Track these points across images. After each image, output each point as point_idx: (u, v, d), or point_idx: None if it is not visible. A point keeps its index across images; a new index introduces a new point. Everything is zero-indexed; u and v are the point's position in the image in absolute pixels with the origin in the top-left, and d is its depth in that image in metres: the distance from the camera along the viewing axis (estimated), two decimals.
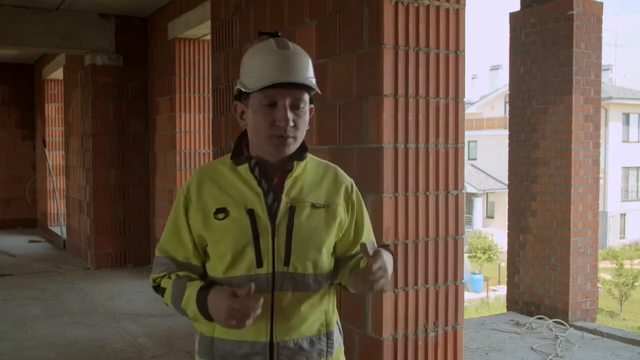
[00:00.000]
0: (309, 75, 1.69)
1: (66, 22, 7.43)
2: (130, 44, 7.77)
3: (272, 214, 1.68)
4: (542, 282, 6.08)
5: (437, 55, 3.28)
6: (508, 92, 6.66)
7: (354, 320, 3.28)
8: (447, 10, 3.30)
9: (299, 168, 1.72)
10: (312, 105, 1.74)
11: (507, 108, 6.84)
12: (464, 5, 3.37)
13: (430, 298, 3.29)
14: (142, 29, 7.84)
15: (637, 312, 19.37)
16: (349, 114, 3.39)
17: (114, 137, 7.77)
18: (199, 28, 6.46)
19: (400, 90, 3.17)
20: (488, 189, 33.36)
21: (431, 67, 3.27)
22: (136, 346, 4.82)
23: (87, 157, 7.95)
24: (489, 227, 30.30)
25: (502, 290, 17.16)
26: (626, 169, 31.30)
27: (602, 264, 17.05)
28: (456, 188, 3.36)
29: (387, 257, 1.63)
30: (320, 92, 1.73)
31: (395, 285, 3.18)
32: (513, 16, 6.37)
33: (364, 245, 1.60)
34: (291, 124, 1.65)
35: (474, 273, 23.93)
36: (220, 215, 1.68)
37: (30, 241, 10.18)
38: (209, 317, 1.62)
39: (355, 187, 1.83)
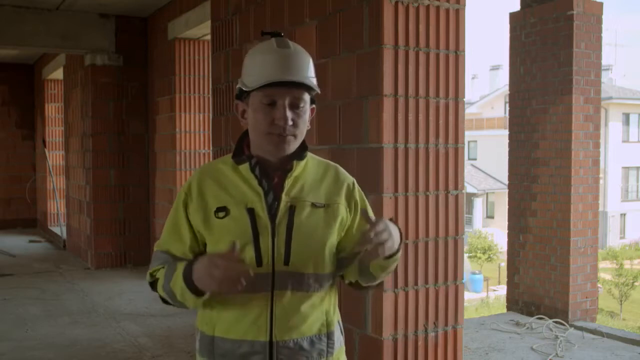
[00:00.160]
0: (310, 75, 1.68)
1: (66, 22, 7.43)
2: (130, 44, 7.77)
3: (272, 213, 1.68)
4: (542, 282, 6.08)
5: (437, 55, 3.29)
6: (508, 92, 6.66)
7: (354, 320, 3.28)
8: (447, 10, 3.30)
9: (299, 167, 1.73)
10: (313, 105, 1.74)
11: (507, 108, 6.84)
12: (464, 5, 3.37)
13: (430, 298, 3.30)
14: (142, 29, 7.84)
15: (637, 312, 19.37)
16: (349, 114, 3.39)
17: (114, 137, 7.77)
18: (199, 28, 6.46)
19: (400, 90, 3.17)
20: (488, 189, 33.37)
21: (431, 67, 3.27)
22: (136, 346, 4.82)
23: (87, 157, 7.95)
24: (489, 227, 30.31)
25: (502, 290, 17.16)
26: (626, 169, 31.30)
27: (602, 264, 17.05)
28: (456, 188, 3.37)
29: (391, 225, 1.60)
30: (320, 92, 1.73)
31: (395, 285, 3.18)
32: (513, 16, 6.38)
33: (364, 211, 1.58)
34: (290, 122, 1.65)
35: (474, 273, 23.94)
36: (221, 214, 1.68)
37: (30, 241, 10.18)
38: (193, 288, 1.59)
39: (357, 186, 1.83)
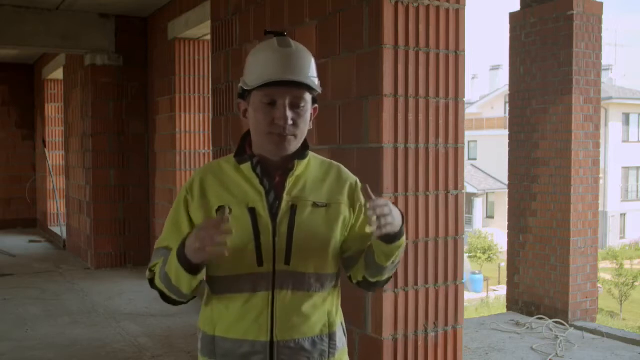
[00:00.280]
0: (311, 74, 1.68)
1: (66, 22, 7.43)
2: (130, 44, 7.77)
3: (274, 212, 1.68)
4: (542, 282, 6.08)
5: (437, 55, 3.29)
6: (508, 92, 6.66)
7: (354, 320, 3.27)
8: (447, 10, 3.30)
9: (300, 167, 1.72)
10: (315, 105, 1.74)
11: (507, 108, 6.84)
12: (464, 5, 3.37)
13: (430, 298, 3.30)
14: (142, 29, 7.84)
15: (637, 312, 19.37)
16: (349, 114, 3.39)
17: (114, 137, 7.77)
18: (199, 28, 6.46)
19: (400, 90, 3.17)
20: (488, 189, 33.37)
21: (431, 67, 3.27)
22: (136, 346, 4.82)
23: (87, 157, 7.95)
24: (489, 227, 30.30)
25: (502, 290, 17.16)
26: (626, 169, 31.31)
27: (602, 264, 17.05)
28: (456, 188, 3.37)
29: (392, 205, 1.58)
30: (321, 92, 1.73)
31: (395, 285, 3.18)
32: (513, 16, 6.38)
33: (365, 187, 1.56)
34: (290, 122, 1.64)
35: (474, 273, 23.94)
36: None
37: (30, 241, 10.18)
38: (187, 266, 1.57)
39: (360, 185, 1.82)
